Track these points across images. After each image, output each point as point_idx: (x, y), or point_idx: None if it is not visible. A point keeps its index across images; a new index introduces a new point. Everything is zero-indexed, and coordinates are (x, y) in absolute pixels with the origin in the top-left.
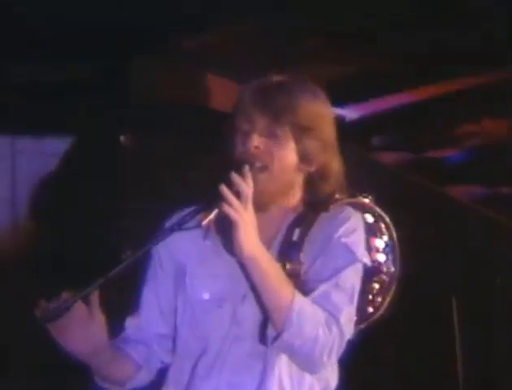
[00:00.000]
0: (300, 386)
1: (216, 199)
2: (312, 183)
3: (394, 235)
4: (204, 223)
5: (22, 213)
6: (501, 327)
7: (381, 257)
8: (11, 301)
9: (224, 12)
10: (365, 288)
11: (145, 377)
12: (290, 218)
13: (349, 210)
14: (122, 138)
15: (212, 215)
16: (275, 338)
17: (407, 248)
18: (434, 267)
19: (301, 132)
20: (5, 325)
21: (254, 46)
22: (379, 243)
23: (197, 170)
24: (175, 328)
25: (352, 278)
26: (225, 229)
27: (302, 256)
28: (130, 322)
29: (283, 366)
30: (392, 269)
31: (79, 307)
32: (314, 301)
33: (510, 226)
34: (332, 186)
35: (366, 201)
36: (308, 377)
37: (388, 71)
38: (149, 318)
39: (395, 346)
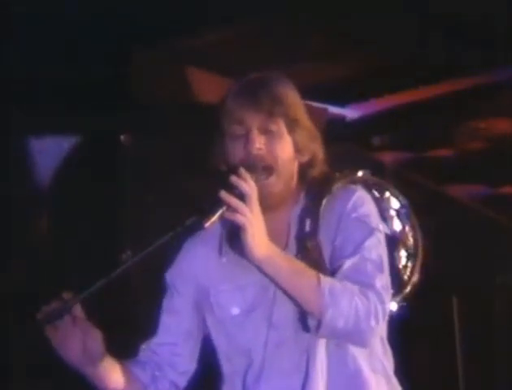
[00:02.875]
0: (341, 373)
1: (218, 201)
2: (302, 172)
3: (404, 200)
4: (207, 225)
5: (21, 213)
6: (501, 327)
7: (397, 225)
8: (11, 301)
9: (224, 12)
10: (393, 258)
11: None
12: (296, 212)
13: (352, 187)
14: (122, 138)
15: (215, 217)
16: (318, 326)
17: None
18: (434, 267)
19: (292, 123)
20: (5, 325)
21: (254, 46)
22: (392, 212)
23: (197, 170)
24: (213, 349)
25: (376, 247)
26: (234, 234)
27: (320, 241)
28: (145, 345)
29: (323, 357)
30: (412, 232)
31: (77, 319)
32: (345, 276)
33: (510, 226)
34: (319, 173)
35: (366, 176)
36: (351, 363)
37: (388, 71)
38: (166, 338)
39: (394, 346)
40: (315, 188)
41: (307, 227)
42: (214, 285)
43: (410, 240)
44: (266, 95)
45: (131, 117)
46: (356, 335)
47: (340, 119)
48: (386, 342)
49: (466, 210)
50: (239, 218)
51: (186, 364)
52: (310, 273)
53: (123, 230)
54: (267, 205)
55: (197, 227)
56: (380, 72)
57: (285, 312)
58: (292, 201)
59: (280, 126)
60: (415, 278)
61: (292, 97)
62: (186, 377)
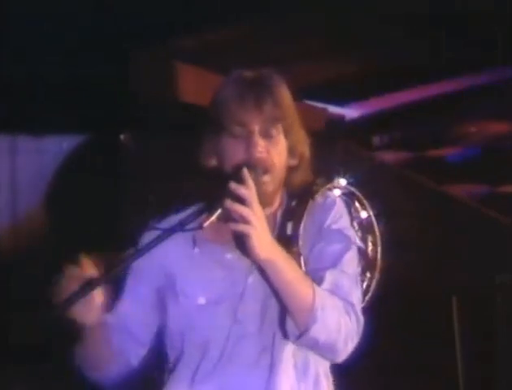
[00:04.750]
0: (306, 376)
1: (217, 200)
2: (291, 174)
3: (370, 211)
4: (205, 224)
5: (22, 212)
6: (501, 327)
7: (359, 237)
8: (11, 300)
9: (224, 12)
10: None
11: (120, 367)
12: (279, 214)
13: (332, 196)
14: (122, 138)
15: (213, 217)
16: (301, 334)
17: (407, 248)
18: (434, 267)
19: (289, 127)
20: (4, 325)
21: (254, 46)
22: (355, 224)
23: (197, 170)
24: (170, 339)
25: (352, 262)
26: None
27: (300, 247)
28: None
29: (289, 358)
30: (372, 245)
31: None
32: (324, 290)
33: (510, 226)
34: (306, 173)
35: (343, 183)
36: (312, 366)
37: (388, 70)
38: (123, 323)
39: (395, 345)
40: (298, 191)
41: (289, 231)
42: (182, 273)
43: (369, 255)
44: (269, 99)
45: (131, 117)
46: (330, 353)
47: (340, 119)
48: None
49: (466, 210)
50: (243, 229)
51: (142, 352)
52: (308, 283)
53: (124, 229)
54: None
55: (196, 227)
56: (380, 72)
57: (251, 309)
58: (276, 203)
59: (280, 130)
60: (369, 295)
61: (289, 99)
62: (140, 362)
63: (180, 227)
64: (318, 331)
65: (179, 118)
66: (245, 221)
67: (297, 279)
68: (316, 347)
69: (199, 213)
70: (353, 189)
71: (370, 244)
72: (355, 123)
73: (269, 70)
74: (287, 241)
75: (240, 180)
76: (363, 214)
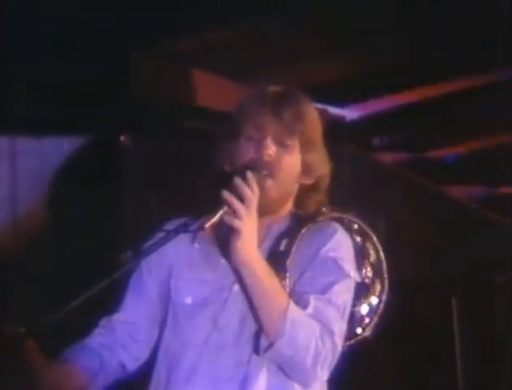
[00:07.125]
0: None
1: (220, 202)
2: (304, 194)
3: (381, 255)
4: (207, 225)
5: (22, 213)
6: (500, 327)
7: (368, 278)
8: (11, 301)
9: (224, 12)
10: (354, 309)
11: (103, 381)
12: (277, 228)
13: (335, 225)
14: (122, 138)
15: (215, 218)
16: (268, 347)
17: (407, 248)
18: (434, 267)
19: (307, 144)
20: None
21: (254, 46)
22: (366, 264)
23: (197, 170)
24: (160, 333)
25: (343, 294)
26: (224, 232)
27: (288, 267)
28: (105, 321)
29: (264, 379)
30: (380, 290)
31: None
32: (307, 314)
33: (510, 226)
34: (321, 198)
35: (353, 219)
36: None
37: (388, 71)
38: (128, 317)
39: (395, 346)
40: (301, 212)
41: (282, 247)
42: (178, 269)
43: (376, 296)
44: (289, 109)
45: (131, 117)
46: (299, 372)
47: (340, 120)
48: (325, 384)
49: (466, 210)
50: (235, 223)
51: (140, 351)
52: (283, 297)
53: (124, 230)
54: (257, 208)
55: (198, 227)
56: (380, 73)
57: (231, 318)
58: (278, 217)
59: (295, 143)
60: (367, 333)
61: (313, 117)
62: (137, 363)
63: (183, 228)
64: (286, 345)
65: (179, 118)
66: (238, 216)
67: (272, 290)
68: (284, 363)
69: (201, 214)
70: (364, 228)
71: (377, 289)
72: (355, 124)
73: (295, 89)
74: (277, 257)
75: (245, 181)
76: (372, 257)
